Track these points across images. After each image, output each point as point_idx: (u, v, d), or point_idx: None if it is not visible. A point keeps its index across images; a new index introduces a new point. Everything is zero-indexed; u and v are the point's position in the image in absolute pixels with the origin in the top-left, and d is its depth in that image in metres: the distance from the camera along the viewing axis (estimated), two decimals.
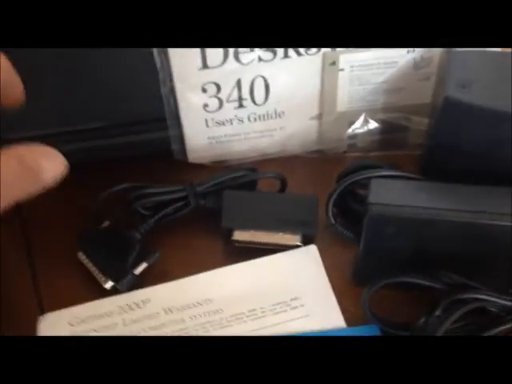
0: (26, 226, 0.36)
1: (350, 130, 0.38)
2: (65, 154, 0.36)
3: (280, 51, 0.33)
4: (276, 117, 0.37)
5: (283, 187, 0.36)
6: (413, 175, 0.32)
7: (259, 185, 0.37)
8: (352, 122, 0.38)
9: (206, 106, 0.35)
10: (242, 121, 0.37)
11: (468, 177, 0.29)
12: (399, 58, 0.35)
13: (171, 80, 0.34)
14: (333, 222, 0.33)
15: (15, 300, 0.33)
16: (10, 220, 0.35)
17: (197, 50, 0.32)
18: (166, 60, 0.33)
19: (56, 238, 0.35)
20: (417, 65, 0.35)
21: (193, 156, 0.38)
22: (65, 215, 0.36)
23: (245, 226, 0.34)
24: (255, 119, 0.37)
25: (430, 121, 0.36)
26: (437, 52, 0.35)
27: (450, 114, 0.31)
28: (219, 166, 0.39)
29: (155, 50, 0.32)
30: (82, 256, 0.33)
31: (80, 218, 0.35)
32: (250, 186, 0.36)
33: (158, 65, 0.33)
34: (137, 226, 0.34)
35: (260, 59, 0.33)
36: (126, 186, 0.34)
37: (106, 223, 0.35)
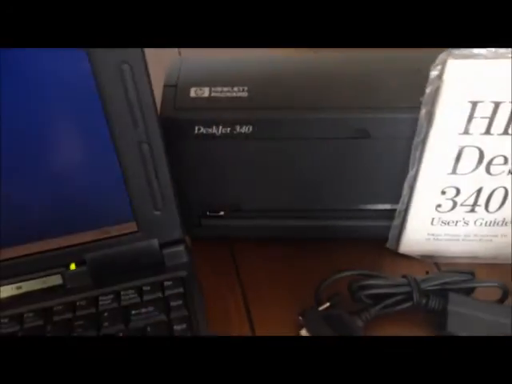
0: (247, 302, 0.38)
1: None
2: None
3: None
4: (502, 224, 0.37)
5: (504, 297, 0.36)
6: None
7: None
8: None
9: (438, 206, 0.36)
10: (468, 224, 0.37)
11: None
12: None
13: (415, 179, 0.35)
14: None
15: None
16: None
17: (453, 157, 0.33)
18: (419, 161, 0.34)
19: (278, 315, 0.36)
20: None
21: (405, 248, 0.39)
22: (287, 291, 0.38)
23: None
24: (481, 224, 0.37)
25: None
26: None
27: None
28: (428, 261, 0.40)
29: (414, 152, 0.34)
30: (305, 334, 0.35)
31: (300, 295, 0.37)
32: (468, 290, 0.36)
33: (411, 164, 0.34)
34: (359, 313, 0.35)
35: (509, 172, 0.34)
36: (354, 273, 0.36)
37: (327, 305, 0.36)
